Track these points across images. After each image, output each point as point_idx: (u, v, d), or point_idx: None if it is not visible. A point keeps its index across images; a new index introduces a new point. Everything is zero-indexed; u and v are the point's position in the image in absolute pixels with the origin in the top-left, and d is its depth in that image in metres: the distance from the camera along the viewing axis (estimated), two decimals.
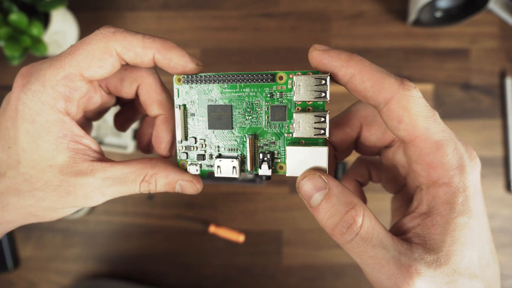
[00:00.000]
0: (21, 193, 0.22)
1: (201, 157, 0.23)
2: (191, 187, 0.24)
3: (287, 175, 0.21)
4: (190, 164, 0.23)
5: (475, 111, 0.59)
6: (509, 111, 0.58)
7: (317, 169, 0.20)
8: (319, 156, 0.20)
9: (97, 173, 0.22)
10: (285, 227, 0.58)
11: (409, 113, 0.19)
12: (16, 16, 0.45)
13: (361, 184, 0.29)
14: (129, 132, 0.57)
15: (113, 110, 0.30)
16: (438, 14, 0.57)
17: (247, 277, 0.58)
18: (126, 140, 0.57)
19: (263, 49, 0.59)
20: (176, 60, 0.22)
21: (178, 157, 0.24)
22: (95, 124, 0.57)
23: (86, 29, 0.58)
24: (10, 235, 0.58)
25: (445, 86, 0.59)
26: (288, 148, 0.21)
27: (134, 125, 0.57)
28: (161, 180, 0.23)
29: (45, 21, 0.50)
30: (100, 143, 0.57)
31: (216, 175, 0.22)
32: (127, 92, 0.25)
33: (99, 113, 0.27)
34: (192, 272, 0.59)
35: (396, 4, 0.59)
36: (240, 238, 0.57)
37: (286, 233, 0.58)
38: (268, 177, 0.22)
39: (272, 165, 0.22)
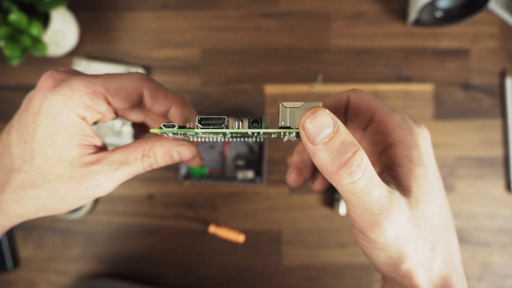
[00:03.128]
0: (35, 185, 0.23)
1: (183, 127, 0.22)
2: (188, 151, 0.25)
3: (279, 125, 0.20)
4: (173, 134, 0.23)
5: (475, 111, 0.59)
6: (509, 111, 0.58)
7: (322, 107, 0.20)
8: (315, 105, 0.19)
9: (102, 161, 0.24)
10: (285, 227, 0.58)
11: (361, 101, 0.25)
12: (15, 16, 0.45)
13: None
14: (129, 132, 0.57)
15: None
16: (438, 14, 0.57)
17: (247, 277, 0.58)
18: (126, 139, 0.57)
19: (263, 49, 0.59)
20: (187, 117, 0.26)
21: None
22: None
23: (86, 29, 0.58)
24: (10, 235, 0.58)
25: (445, 86, 0.59)
26: (281, 103, 0.20)
27: None
28: (158, 151, 0.25)
29: (45, 21, 0.50)
30: None
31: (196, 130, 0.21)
32: (135, 119, 0.28)
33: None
34: (192, 272, 0.59)
35: (396, 4, 0.59)
36: (240, 238, 0.57)
37: (286, 233, 0.58)
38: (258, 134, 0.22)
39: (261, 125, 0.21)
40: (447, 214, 0.23)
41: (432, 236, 0.21)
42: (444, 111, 0.59)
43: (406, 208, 0.20)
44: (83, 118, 0.24)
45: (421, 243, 0.20)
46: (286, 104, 0.20)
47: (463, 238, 0.59)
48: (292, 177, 0.26)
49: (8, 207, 0.24)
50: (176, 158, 0.25)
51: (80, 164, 0.24)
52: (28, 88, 0.58)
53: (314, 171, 0.28)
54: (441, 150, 0.59)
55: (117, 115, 0.27)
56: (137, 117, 0.28)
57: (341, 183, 0.18)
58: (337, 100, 0.26)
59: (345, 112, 0.27)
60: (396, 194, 0.20)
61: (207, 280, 0.59)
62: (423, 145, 0.23)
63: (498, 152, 0.59)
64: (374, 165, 0.25)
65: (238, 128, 0.21)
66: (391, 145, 0.23)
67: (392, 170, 0.22)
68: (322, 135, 0.18)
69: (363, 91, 0.25)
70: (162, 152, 0.25)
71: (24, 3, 0.48)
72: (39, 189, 0.23)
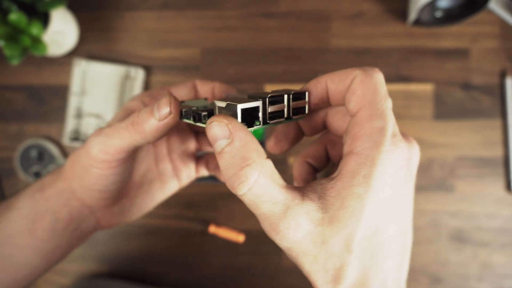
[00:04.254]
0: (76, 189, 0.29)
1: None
2: (165, 100, 0.24)
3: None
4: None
5: (475, 111, 0.59)
6: (509, 111, 0.58)
7: (230, 117, 0.20)
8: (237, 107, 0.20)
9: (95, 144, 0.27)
10: None
11: (364, 87, 0.21)
12: (15, 16, 0.45)
13: (315, 169, 0.28)
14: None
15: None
16: (438, 14, 0.57)
17: (247, 277, 0.58)
18: None
19: (263, 49, 0.59)
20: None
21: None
22: (95, 124, 0.57)
23: (86, 29, 0.58)
24: None
25: (445, 86, 0.59)
26: (214, 101, 0.22)
27: None
28: (142, 113, 0.25)
29: (44, 20, 0.50)
30: None
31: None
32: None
33: None
34: (192, 272, 0.59)
35: (396, 4, 0.59)
36: (240, 238, 0.57)
37: None
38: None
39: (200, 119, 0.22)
40: (383, 242, 0.20)
41: (344, 257, 0.19)
42: (444, 111, 0.59)
43: (310, 224, 0.19)
44: (105, 152, 0.27)
45: (321, 260, 0.19)
46: (217, 102, 0.21)
47: (463, 238, 0.59)
48: (270, 144, 0.27)
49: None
50: (156, 111, 0.24)
51: (87, 164, 0.28)
52: (28, 88, 0.58)
53: (295, 140, 0.27)
54: (441, 150, 0.59)
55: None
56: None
57: (233, 191, 0.19)
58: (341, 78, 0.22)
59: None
60: (300, 209, 0.19)
61: (207, 280, 0.58)
62: (384, 165, 0.19)
63: (498, 152, 0.59)
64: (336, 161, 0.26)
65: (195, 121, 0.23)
66: (350, 152, 0.20)
67: (332, 180, 0.20)
68: (219, 144, 0.19)
69: (373, 75, 0.21)
70: (145, 110, 0.25)
71: (24, 3, 0.48)
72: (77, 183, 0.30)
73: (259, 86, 0.59)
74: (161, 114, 0.24)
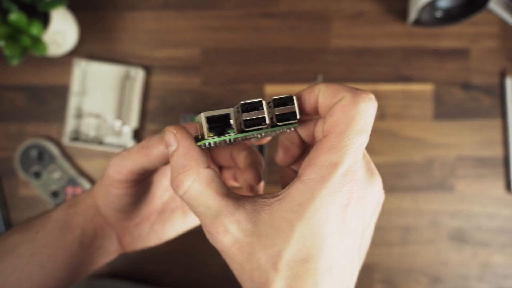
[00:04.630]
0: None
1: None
2: (170, 134, 0.24)
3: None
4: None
5: (475, 111, 0.59)
6: (509, 111, 0.58)
7: (181, 127, 0.23)
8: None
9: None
10: None
11: (342, 113, 0.20)
12: (15, 16, 0.45)
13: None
14: (129, 132, 0.57)
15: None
16: (438, 14, 0.57)
17: None
18: (126, 140, 0.57)
19: (263, 49, 0.59)
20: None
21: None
22: (95, 124, 0.57)
23: (86, 29, 0.58)
24: None
25: (445, 86, 0.59)
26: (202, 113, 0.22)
27: (134, 125, 0.57)
28: (153, 139, 0.26)
29: (45, 21, 0.50)
30: (100, 143, 0.57)
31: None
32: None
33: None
34: (192, 272, 0.59)
35: (396, 4, 0.59)
36: None
37: None
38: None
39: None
40: (316, 271, 0.20)
41: (270, 273, 0.20)
42: (444, 111, 0.59)
43: (239, 233, 0.20)
44: (119, 172, 0.29)
45: (248, 270, 0.20)
46: (203, 113, 0.22)
47: (463, 238, 0.59)
48: (279, 156, 0.25)
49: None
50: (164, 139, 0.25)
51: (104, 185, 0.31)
52: (28, 88, 0.58)
53: (304, 149, 0.26)
54: (441, 150, 0.59)
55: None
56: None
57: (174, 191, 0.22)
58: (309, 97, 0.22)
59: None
60: (231, 216, 0.20)
61: (207, 280, 0.59)
62: (323, 200, 0.19)
63: (498, 152, 0.59)
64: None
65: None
66: (299, 176, 0.20)
67: (276, 197, 0.21)
68: (168, 149, 0.23)
69: (359, 104, 0.20)
70: (156, 137, 0.26)
71: (24, 3, 0.48)
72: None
73: (259, 86, 0.59)
74: (168, 141, 0.25)
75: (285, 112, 0.22)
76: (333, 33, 0.59)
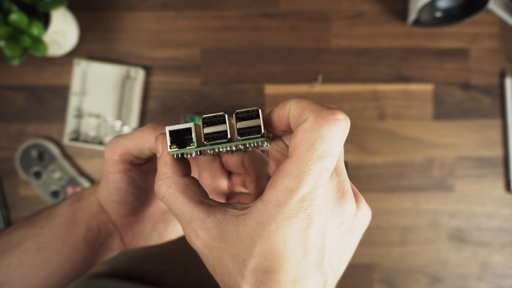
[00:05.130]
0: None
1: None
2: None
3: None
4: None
5: (475, 111, 0.59)
6: (509, 111, 0.58)
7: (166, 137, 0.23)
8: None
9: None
10: None
11: (303, 136, 0.19)
12: (16, 16, 0.45)
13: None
14: (129, 132, 0.57)
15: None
16: (438, 14, 0.57)
17: None
18: None
19: (263, 49, 0.59)
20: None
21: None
22: (95, 124, 0.57)
23: (86, 29, 0.58)
24: None
25: (445, 86, 0.59)
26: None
27: (134, 125, 0.57)
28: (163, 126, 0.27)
29: (45, 21, 0.50)
30: (100, 143, 0.57)
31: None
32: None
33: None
34: (192, 272, 0.59)
35: (396, 4, 0.59)
36: None
37: None
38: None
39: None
40: (279, 282, 0.21)
41: (237, 279, 0.21)
42: (444, 111, 0.59)
43: (209, 238, 0.22)
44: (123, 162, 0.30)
45: (219, 272, 0.22)
46: (167, 127, 0.23)
47: (463, 238, 0.59)
48: (271, 169, 0.25)
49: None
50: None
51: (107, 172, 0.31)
52: (28, 88, 0.58)
53: None
54: (441, 150, 0.59)
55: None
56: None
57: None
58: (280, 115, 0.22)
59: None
60: (201, 223, 0.22)
61: (207, 280, 0.59)
62: (278, 223, 0.20)
63: (498, 152, 0.59)
64: None
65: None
66: (262, 195, 0.21)
67: (245, 209, 0.22)
68: (157, 155, 0.24)
69: (322, 127, 0.19)
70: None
71: (25, 3, 0.48)
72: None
73: (259, 86, 0.59)
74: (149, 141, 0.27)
75: (248, 126, 0.22)
76: (333, 33, 0.59)
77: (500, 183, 0.59)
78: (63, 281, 0.30)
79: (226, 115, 0.22)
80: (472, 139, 0.59)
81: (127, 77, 0.57)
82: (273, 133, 0.23)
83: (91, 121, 0.57)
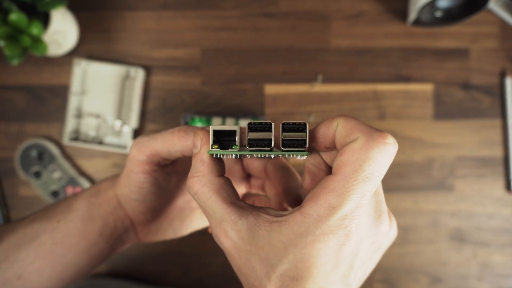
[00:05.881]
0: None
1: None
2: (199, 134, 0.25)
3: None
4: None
5: (475, 111, 0.59)
6: (509, 111, 0.58)
7: (207, 135, 0.23)
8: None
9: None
10: None
11: (351, 156, 0.20)
12: (15, 16, 0.45)
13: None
14: (129, 132, 0.57)
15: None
16: (438, 14, 0.57)
17: None
18: (126, 140, 0.57)
19: (263, 49, 0.59)
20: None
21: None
22: (95, 124, 0.57)
23: (86, 29, 0.58)
24: None
25: (445, 86, 0.59)
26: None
27: (134, 125, 0.57)
28: (194, 129, 0.26)
29: (45, 21, 0.50)
30: (100, 143, 0.57)
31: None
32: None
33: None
34: (192, 272, 0.59)
35: (396, 4, 0.59)
36: None
37: None
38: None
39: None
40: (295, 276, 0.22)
41: (263, 281, 0.22)
42: (444, 111, 0.59)
43: (238, 240, 0.22)
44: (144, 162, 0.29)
45: (245, 273, 0.23)
46: (211, 126, 0.23)
47: (463, 238, 0.59)
48: (306, 182, 0.25)
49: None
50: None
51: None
52: (28, 88, 0.58)
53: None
54: (441, 150, 0.59)
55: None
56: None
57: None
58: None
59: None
60: (233, 225, 0.22)
61: (207, 280, 0.59)
62: (315, 236, 0.20)
63: (498, 152, 0.59)
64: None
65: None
66: (301, 207, 0.21)
67: (280, 217, 0.22)
68: (193, 150, 0.24)
69: (371, 149, 0.19)
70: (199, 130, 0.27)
71: (24, 3, 0.48)
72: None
73: (259, 86, 0.59)
74: (195, 143, 0.25)
75: (293, 139, 0.22)
76: (333, 33, 0.59)
77: (500, 183, 0.59)
78: (78, 274, 0.31)
79: (272, 124, 0.22)
80: (472, 139, 0.59)
81: (127, 77, 0.57)
82: (316, 148, 0.23)
83: (91, 121, 0.57)
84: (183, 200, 0.34)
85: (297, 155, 0.23)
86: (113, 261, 0.58)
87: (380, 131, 0.20)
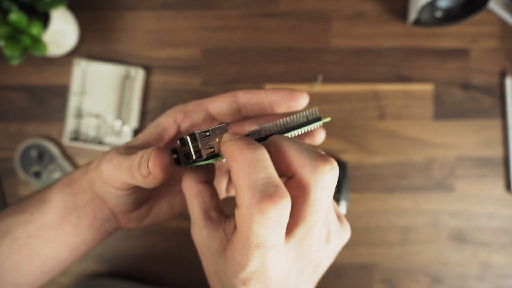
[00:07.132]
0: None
1: None
2: (145, 158, 0.24)
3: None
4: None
5: (475, 111, 0.59)
6: (509, 111, 0.58)
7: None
8: None
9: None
10: None
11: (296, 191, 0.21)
12: (15, 16, 0.45)
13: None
14: (129, 132, 0.57)
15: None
16: (438, 14, 0.57)
17: None
18: (126, 140, 0.57)
19: (263, 49, 0.59)
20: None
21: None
22: (95, 124, 0.57)
23: (86, 29, 0.58)
24: None
25: (445, 86, 0.59)
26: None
27: (134, 125, 0.57)
28: (137, 162, 0.25)
29: (45, 21, 0.50)
30: (100, 143, 0.57)
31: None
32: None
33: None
34: (192, 272, 0.59)
35: (396, 4, 0.59)
36: None
37: None
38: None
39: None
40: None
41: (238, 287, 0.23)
42: (444, 111, 0.59)
43: (213, 246, 0.24)
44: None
45: (220, 278, 0.25)
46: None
47: (463, 238, 0.59)
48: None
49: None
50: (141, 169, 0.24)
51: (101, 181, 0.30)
52: (28, 88, 0.58)
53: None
54: (441, 150, 0.59)
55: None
56: None
57: None
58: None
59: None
60: (198, 230, 0.25)
61: (207, 280, 0.58)
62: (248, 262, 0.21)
63: (498, 152, 0.59)
64: None
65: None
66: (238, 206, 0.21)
67: (232, 234, 0.23)
68: None
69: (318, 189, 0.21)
70: (139, 164, 0.24)
71: (24, 3, 0.48)
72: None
73: (259, 86, 0.59)
74: (143, 173, 0.23)
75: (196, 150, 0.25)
76: (333, 33, 0.59)
77: (500, 183, 0.59)
78: (61, 266, 0.30)
79: (188, 137, 0.24)
80: (472, 139, 0.59)
81: (127, 77, 0.57)
82: None
83: (91, 121, 0.57)
84: (163, 186, 0.33)
85: (218, 160, 0.25)
86: (113, 261, 0.58)
87: (270, 195, 0.19)
